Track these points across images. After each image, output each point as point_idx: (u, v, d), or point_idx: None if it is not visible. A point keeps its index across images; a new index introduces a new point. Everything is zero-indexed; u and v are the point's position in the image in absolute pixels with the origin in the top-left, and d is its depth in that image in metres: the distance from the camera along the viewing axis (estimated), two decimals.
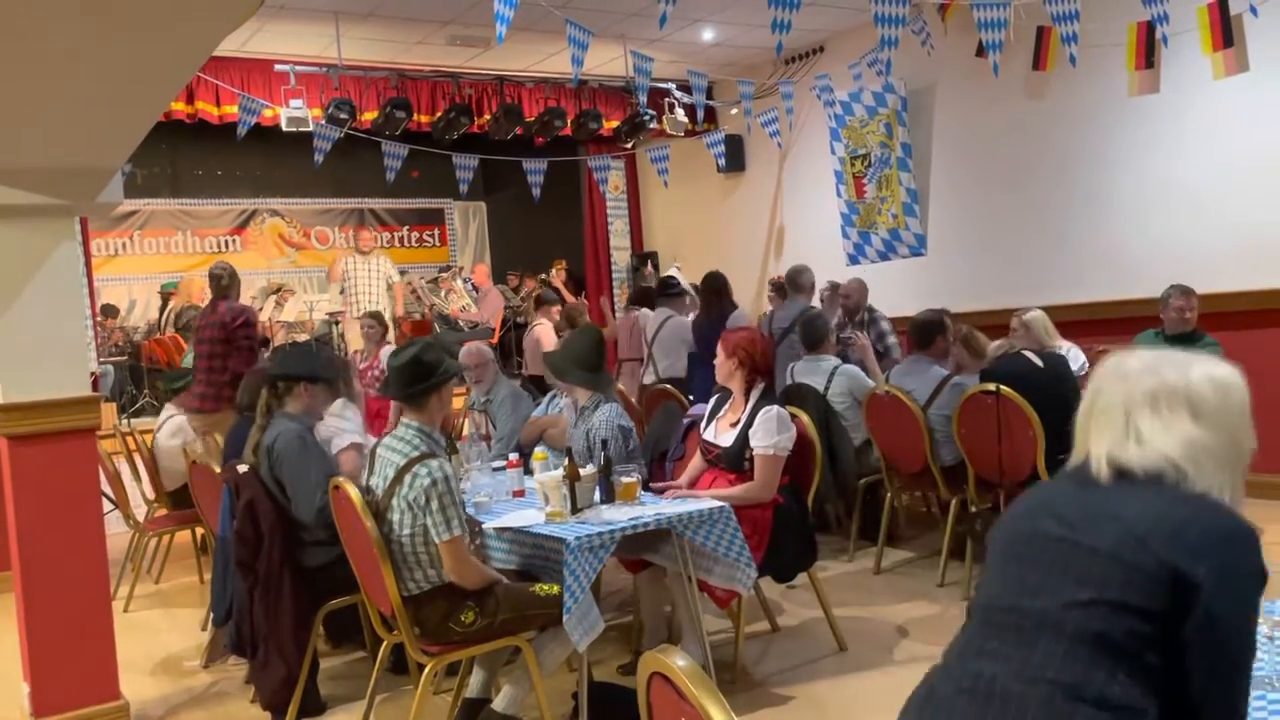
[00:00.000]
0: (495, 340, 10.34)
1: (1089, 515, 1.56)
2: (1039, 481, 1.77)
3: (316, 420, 4.19)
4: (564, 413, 5.16)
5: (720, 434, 4.11)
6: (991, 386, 4.65)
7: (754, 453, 3.94)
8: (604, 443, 4.19)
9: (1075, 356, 5.70)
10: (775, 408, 3.99)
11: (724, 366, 4.12)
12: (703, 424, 4.30)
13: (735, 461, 4.00)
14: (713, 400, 4.35)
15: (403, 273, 11.81)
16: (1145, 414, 1.59)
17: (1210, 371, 1.60)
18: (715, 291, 7.03)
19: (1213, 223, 6.54)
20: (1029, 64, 7.18)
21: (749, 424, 3.98)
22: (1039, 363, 4.73)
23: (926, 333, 5.45)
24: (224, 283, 6.36)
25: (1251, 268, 6.30)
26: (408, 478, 3.19)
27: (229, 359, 6.13)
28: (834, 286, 7.84)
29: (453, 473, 3.23)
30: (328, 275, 10.18)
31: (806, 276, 6.95)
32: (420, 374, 3.35)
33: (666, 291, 7.81)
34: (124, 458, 6.23)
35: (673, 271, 9.55)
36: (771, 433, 3.92)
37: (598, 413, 4.31)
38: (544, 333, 8.16)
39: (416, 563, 3.25)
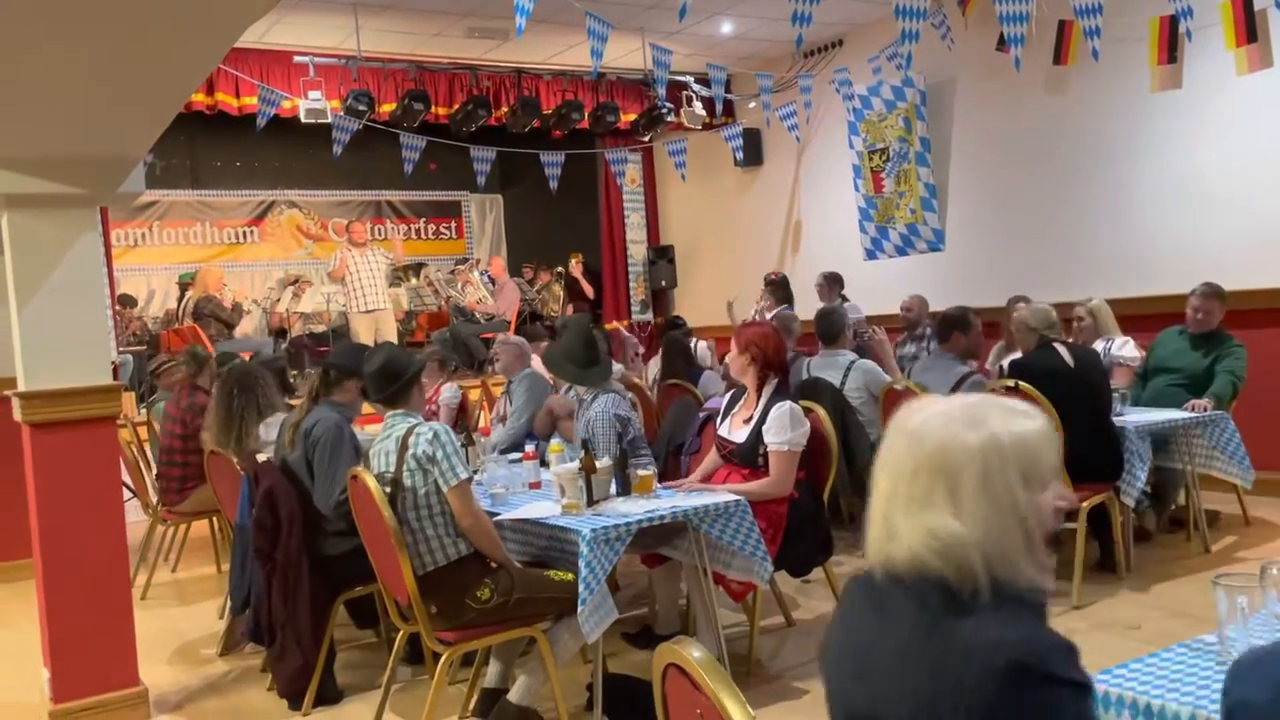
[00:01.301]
0: (511, 332, 10.35)
1: (886, 676, 1.34)
2: (846, 590, 1.53)
3: (355, 414, 4.30)
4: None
5: (734, 430, 4.11)
6: (1010, 383, 4.63)
7: (768, 449, 3.93)
8: (620, 435, 4.21)
9: (1125, 346, 5.68)
10: (788, 403, 3.98)
11: (736, 362, 4.11)
12: (718, 420, 4.29)
13: (749, 457, 4.00)
14: (728, 396, 4.34)
15: (421, 265, 11.84)
16: (902, 496, 1.38)
17: (992, 432, 1.35)
18: (680, 354, 6.70)
19: (1236, 219, 6.48)
20: (1050, 58, 7.12)
21: (762, 420, 3.97)
22: (1070, 361, 4.70)
23: (945, 329, 5.44)
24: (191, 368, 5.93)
25: (1278, 264, 6.24)
26: (411, 439, 3.35)
27: (189, 455, 5.64)
28: (828, 278, 7.83)
29: (447, 428, 3.41)
30: (330, 274, 10.13)
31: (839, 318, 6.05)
32: (393, 376, 3.53)
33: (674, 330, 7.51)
34: (138, 447, 6.27)
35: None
36: (785, 429, 3.91)
37: (595, 404, 4.39)
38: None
39: (432, 525, 3.30)
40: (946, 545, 1.32)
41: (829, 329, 5.84)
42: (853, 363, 5.67)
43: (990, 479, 1.34)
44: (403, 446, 3.36)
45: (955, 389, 5.16)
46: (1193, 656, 1.90)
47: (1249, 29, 6.15)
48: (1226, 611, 1.88)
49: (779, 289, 7.96)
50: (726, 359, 4.39)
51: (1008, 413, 1.39)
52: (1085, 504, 4.51)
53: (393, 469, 3.36)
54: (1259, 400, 5.75)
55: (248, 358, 8.13)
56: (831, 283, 7.92)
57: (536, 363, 6.35)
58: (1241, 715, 1.17)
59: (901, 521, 1.37)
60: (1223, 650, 1.88)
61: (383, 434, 3.51)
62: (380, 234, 12.55)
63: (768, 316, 7.45)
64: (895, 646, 1.35)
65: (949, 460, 1.35)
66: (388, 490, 3.33)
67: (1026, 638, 1.28)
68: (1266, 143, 6.32)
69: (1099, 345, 5.70)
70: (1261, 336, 5.95)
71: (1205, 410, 5.05)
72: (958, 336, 5.37)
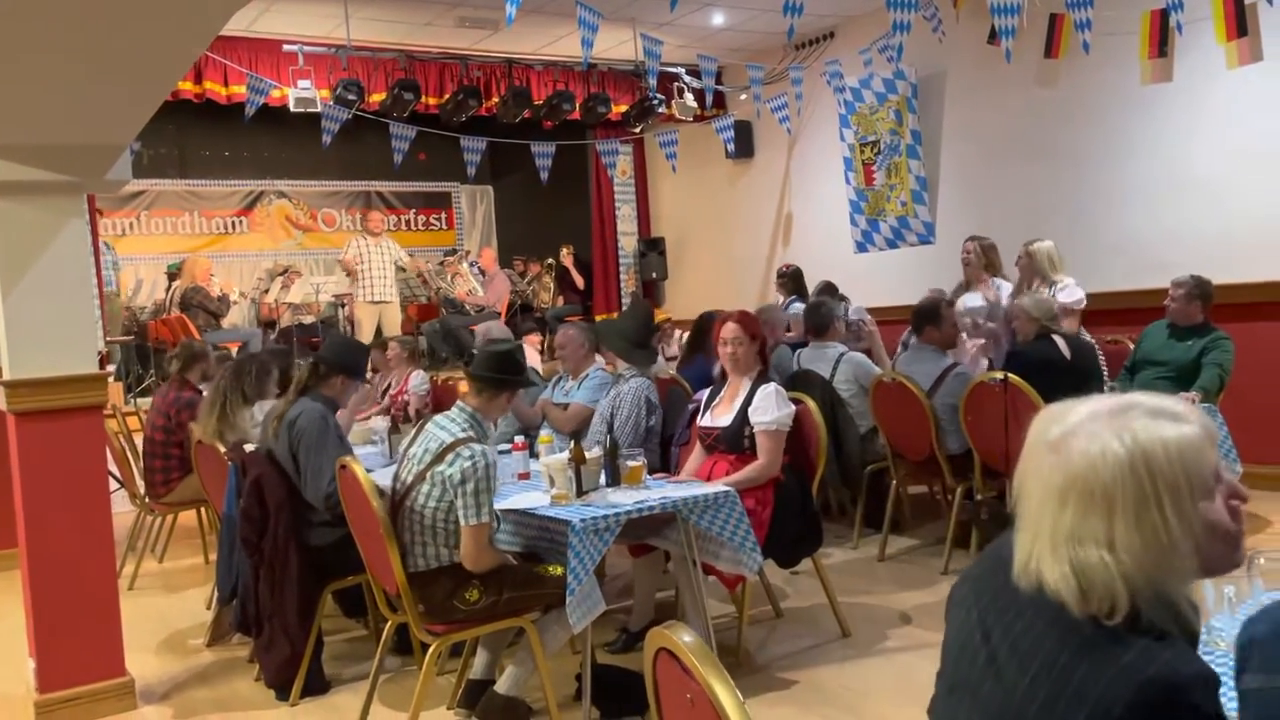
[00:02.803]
0: (501, 324, 10.32)
1: (1020, 651, 1.31)
2: (996, 547, 1.46)
3: (341, 407, 4.30)
4: (571, 395, 5.18)
5: (718, 418, 4.11)
6: (1000, 375, 4.64)
7: (755, 430, 3.94)
8: (610, 426, 4.20)
9: (1073, 292, 5.73)
10: (772, 384, 4.02)
11: (749, 350, 4.07)
12: (700, 414, 4.28)
13: (735, 441, 4.01)
14: (707, 391, 4.35)
15: (410, 256, 11.80)
16: (1050, 512, 1.28)
17: (1143, 442, 1.26)
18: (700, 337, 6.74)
19: (1226, 213, 6.51)
20: (1041, 51, 7.13)
21: (747, 403, 3.98)
22: (1066, 354, 4.71)
23: (918, 322, 5.47)
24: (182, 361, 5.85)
25: (1266, 258, 6.27)
26: (450, 455, 3.22)
27: (170, 449, 5.63)
28: (821, 289, 7.78)
29: (495, 461, 3.25)
30: (341, 263, 10.15)
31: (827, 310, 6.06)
32: (508, 368, 3.44)
33: None
34: (125, 437, 6.24)
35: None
36: (771, 409, 3.93)
37: (630, 382, 4.46)
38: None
39: (431, 536, 3.26)
40: (1094, 576, 1.24)
41: (819, 321, 5.85)
42: (842, 355, 5.69)
43: (1145, 504, 1.24)
44: (438, 457, 3.24)
45: (940, 380, 5.18)
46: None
47: (1239, 23, 6.16)
48: (1214, 602, 1.88)
49: (793, 281, 7.91)
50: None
51: (1156, 417, 1.28)
52: None
53: (418, 470, 3.29)
54: (1246, 393, 5.77)
55: (235, 349, 8.11)
56: (825, 291, 7.89)
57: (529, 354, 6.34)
58: (1251, 651, 1.24)
59: (1049, 542, 1.28)
60: (1210, 640, 1.88)
61: (439, 423, 3.39)
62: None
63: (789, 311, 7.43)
64: (1025, 651, 1.30)
65: (1099, 483, 1.25)
66: (403, 485, 3.30)
67: (1172, 661, 1.20)
68: (1256, 136, 6.34)
69: (1043, 292, 5.74)
70: (1249, 330, 5.97)
71: (1193, 403, 5.06)
72: (930, 330, 5.40)
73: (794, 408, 4.04)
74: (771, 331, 5.98)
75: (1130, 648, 1.21)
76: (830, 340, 5.80)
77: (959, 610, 1.47)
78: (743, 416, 3.98)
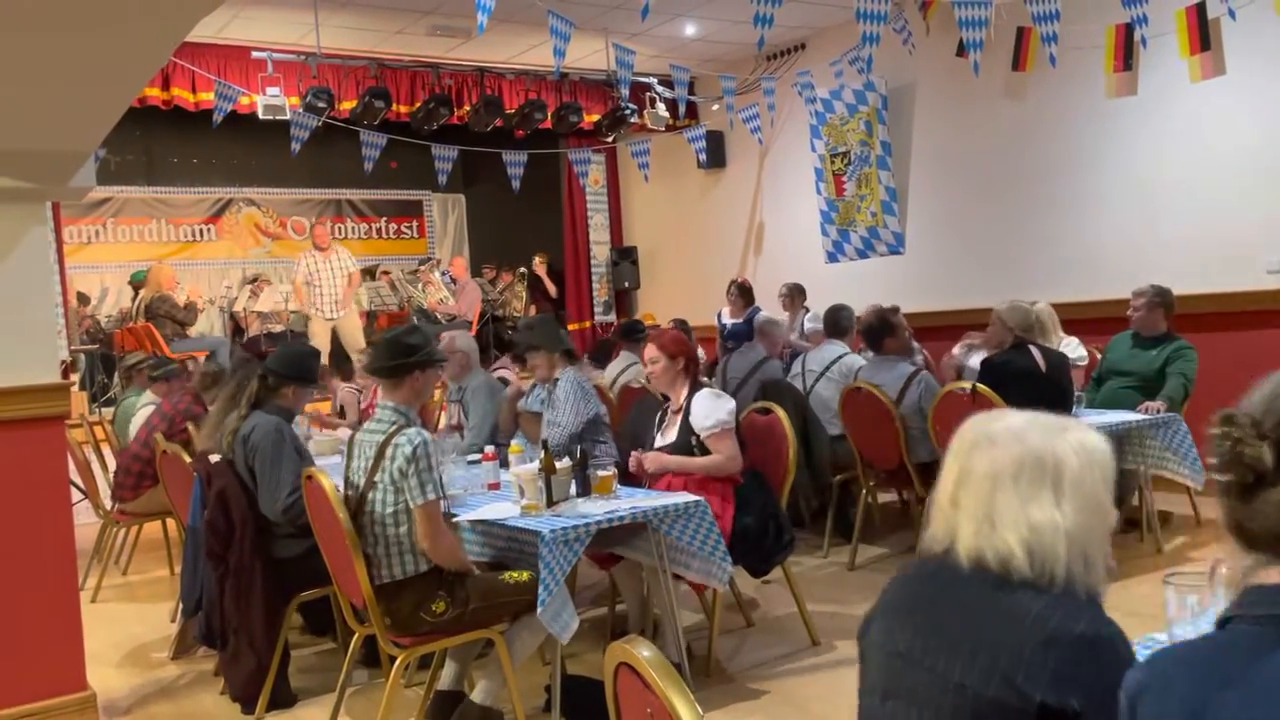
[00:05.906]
0: (474, 333, 10.27)
1: (951, 638, 1.48)
2: (901, 576, 1.66)
3: (295, 415, 4.22)
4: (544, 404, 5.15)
5: (667, 435, 4.13)
6: (966, 385, 4.67)
7: (703, 436, 3.95)
8: (579, 437, 4.19)
9: (1075, 348, 5.79)
10: (703, 389, 4.07)
11: (668, 371, 4.09)
12: (654, 440, 4.25)
13: (684, 453, 4.02)
14: (657, 417, 4.35)
15: (375, 266, 11.72)
16: (1006, 488, 1.50)
17: (1078, 439, 1.53)
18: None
19: (1190, 225, 6.59)
20: (1009, 64, 7.21)
21: (687, 414, 4.00)
22: (1041, 364, 4.73)
23: (875, 338, 5.54)
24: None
25: (1227, 270, 6.36)
26: (389, 451, 3.22)
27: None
28: (791, 289, 7.95)
29: (430, 438, 3.26)
30: (294, 284, 9.98)
31: (846, 316, 6.27)
32: (400, 351, 3.40)
33: (634, 336, 7.10)
34: (92, 447, 6.15)
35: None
36: (709, 413, 3.95)
37: (560, 383, 4.46)
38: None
39: (397, 546, 3.24)
40: (1044, 536, 1.46)
41: (839, 323, 6.14)
42: (842, 355, 5.89)
43: (1083, 478, 1.50)
44: (379, 454, 3.24)
45: (906, 387, 5.21)
46: (1143, 654, 1.91)
47: (1203, 38, 6.26)
48: (1176, 610, 1.89)
49: (747, 293, 8.08)
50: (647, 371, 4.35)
51: (1080, 426, 1.57)
52: None
53: (364, 477, 3.28)
54: (1209, 402, 5.80)
55: (203, 357, 8.02)
56: (795, 294, 8.05)
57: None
58: (1139, 700, 1.17)
59: (1005, 514, 1.49)
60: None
61: (369, 426, 3.39)
62: (340, 233, 12.43)
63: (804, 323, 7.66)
64: (962, 612, 1.48)
65: (1050, 458, 1.50)
66: (356, 493, 3.27)
67: (1100, 619, 1.42)
68: (1219, 149, 6.44)
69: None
70: (1212, 340, 6.05)
71: (1158, 412, 5.12)
72: (889, 342, 5.51)
73: (732, 402, 4.05)
74: (773, 345, 6.52)
75: (1058, 604, 1.43)
76: (840, 341, 6.07)
77: (878, 633, 1.62)
78: (686, 428, 4.00)
